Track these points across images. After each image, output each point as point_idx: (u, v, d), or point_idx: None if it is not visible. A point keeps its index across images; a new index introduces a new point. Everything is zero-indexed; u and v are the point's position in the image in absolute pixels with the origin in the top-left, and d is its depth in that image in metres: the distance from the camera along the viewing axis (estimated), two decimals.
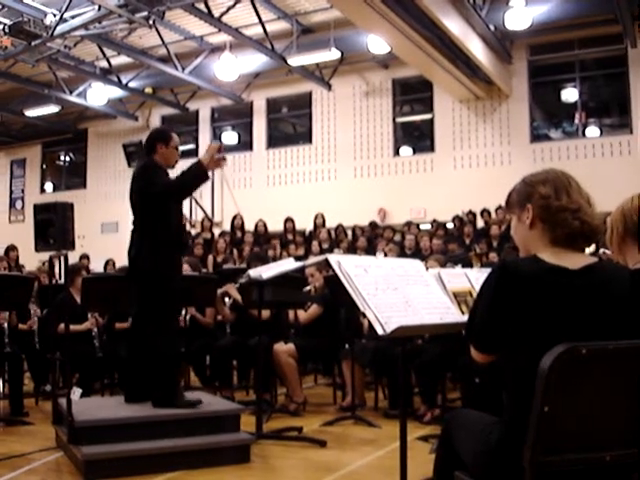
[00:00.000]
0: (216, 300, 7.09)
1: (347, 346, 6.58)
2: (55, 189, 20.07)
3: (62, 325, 6.17)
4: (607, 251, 5.47)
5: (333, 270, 2.92)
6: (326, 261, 3.14)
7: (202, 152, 4.90)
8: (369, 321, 2.75)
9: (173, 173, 4.90)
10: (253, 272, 5.34)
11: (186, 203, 6.31)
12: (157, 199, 4.75)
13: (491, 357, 2.21)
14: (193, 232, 13.54)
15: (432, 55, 11.90)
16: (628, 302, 2.08)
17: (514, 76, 14.31)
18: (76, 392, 5.85)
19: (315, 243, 11.95)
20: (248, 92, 16.97)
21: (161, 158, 4.91)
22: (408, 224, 12.86)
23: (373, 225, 13.54)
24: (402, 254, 10.17)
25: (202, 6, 11.92)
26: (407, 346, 5.52)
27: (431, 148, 15.35)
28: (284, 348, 6.41)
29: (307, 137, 16.63)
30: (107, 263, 12.59)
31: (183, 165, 4.83)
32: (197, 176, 4.71)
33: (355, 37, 13.46)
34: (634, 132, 13.29)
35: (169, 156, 4.95)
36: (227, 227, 13.44)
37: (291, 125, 18.11)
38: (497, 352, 2.18)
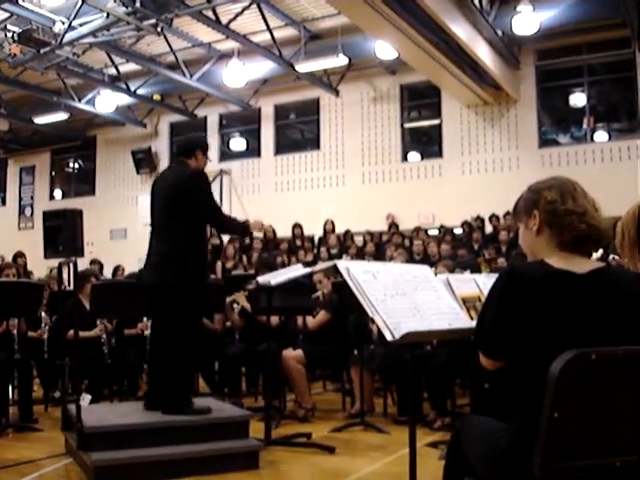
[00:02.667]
0: (225, 307, 7.11)
1: (356, 352, 6.57)
2: (64, 196, 20.13)
3: (71, 331, 6.18)
4: (617, 257, 5.44)
5: (342, 276, 2.92)
6: (334, 267, 3.14)
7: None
8: (378, 327, 2.75)
9: None
10: (261, 278, 5.34)
11: None
12: (205, 217, 4.94)
13: (499, 363, 2.21)
14: None
15: (440, 60, 11.89)
16: (636, 307, 2.07)
17: (522, 81, 14.28)
18: (85, 398, 5.85)
19: (324, 249, 11.95)
20: (256, 98, 17.00)
21: (196, 164, 5.05)
22: (417, 229, 12.84)
23: (394, 226, 13.55)
24: (411, 259, 10.17)
25: (210, 13, 11.95)
26: (416, 352, 5.52)
27: (439, 154, 15.32)
28: (293, 354, 6.41)
29: (315, 143, 16.64)
30: (116, 269, 12.59)
31: None
32: (240, 230, 5.51)
33: (362, 43, 13.46)
34: None
35: (202, 164, 5.12)
36: None
37: (299, 131, 18.12)
38: (505, 358, 2.18)
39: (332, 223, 13.46)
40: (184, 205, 4.78)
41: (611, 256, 5.61)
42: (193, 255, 4.77)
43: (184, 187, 4.81)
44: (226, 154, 17.66)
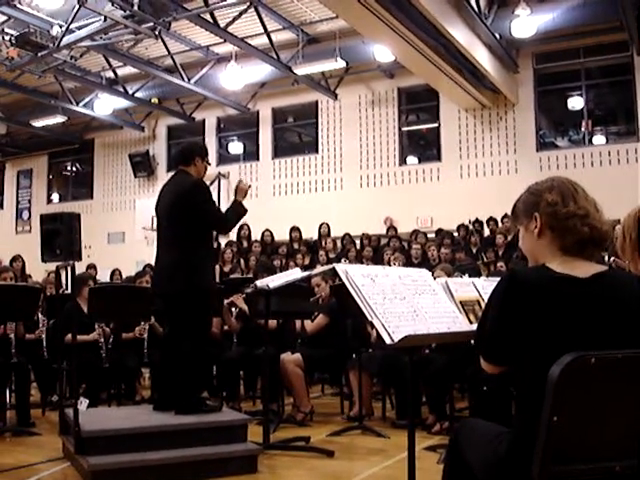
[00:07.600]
0: (223, 310, 7.09)
1: (354, 356, 6.56)
2: (61, 199, 20.09)
3: (69, 335, 6.17)
4: (617, 260, 5.43)
5: (340, 279, 2.91)
6: (333, 270, 3.13)
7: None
8: (377, 330, 2.74)
9: None
10: (260, 282, 5.34)
11: None
12: (213, 226, 5.13)
13: (502, 368, 2.19)
14: None
15: (438, 64, 11.89)
16: (638, 311, 2.06)
17: (520, 84, 14.29)
18: (83, 402, 5.84)
19: (322, 253, 11.93)
20: (254, 102, 16.99)
21: (195, 171, 5.15)
22: (415, 233, 12.83)
23: (392, 230, 13.55)
24: (408, 263, 10.15)
25: (208, 16, 11.94)
26: (415, 356, 5.51)
27: (437, 157, 15.32)
28: (291, 358, 6.40)
29: (313, 147, 16.63)
30: (113, 273, 12.58)
31: None
32: (240, 214, 5.23)
33: (361, 46, 13.47)
34: None
35: (202, 170, 5.21)
36: (233, 237, 13.42)
37: (297, 135, 18.11)
38: (508, 363, 2.15)
39: (327, 226, 13.44)
40: (187, 217, 4.87)
41: (611, 258, 5.59)
42: (201, 263, 4.89)
43: (185, 200, 4.91)
44: (224, 157, 17.64)
